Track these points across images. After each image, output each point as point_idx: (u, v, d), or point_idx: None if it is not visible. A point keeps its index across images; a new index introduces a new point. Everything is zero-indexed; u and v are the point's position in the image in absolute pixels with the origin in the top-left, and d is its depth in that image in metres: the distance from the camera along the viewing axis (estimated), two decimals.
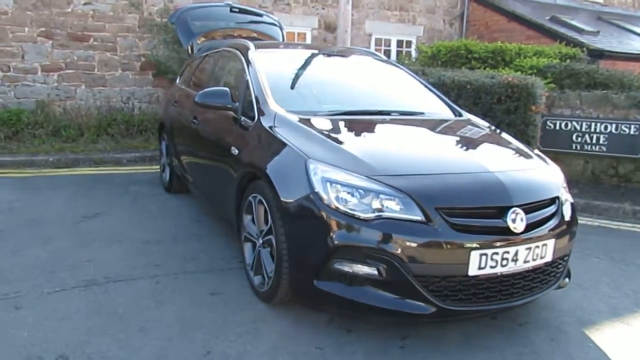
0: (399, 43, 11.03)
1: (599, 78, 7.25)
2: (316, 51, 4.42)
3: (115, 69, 8.39)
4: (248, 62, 3.77)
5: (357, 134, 3.12)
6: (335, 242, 2.52)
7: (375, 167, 2.64)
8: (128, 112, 8.45)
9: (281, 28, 6.53)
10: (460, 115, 3.82)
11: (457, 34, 11.43)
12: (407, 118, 3.57)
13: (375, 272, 2.49)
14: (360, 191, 2.55)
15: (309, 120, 3.18)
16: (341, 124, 3.23)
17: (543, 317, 3.09)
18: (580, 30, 10.06)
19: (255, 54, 3.86)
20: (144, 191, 5.53)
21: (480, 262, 2.50)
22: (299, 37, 9.85)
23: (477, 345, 2.73)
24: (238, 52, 4.03)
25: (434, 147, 3.11)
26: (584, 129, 6.66)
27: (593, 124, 6.60)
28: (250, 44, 4.07)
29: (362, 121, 3.37)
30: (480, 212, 2.57)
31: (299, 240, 2.69)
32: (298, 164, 2.76)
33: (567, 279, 3.04)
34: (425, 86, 4.20)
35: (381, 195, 2.52)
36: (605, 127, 6.57)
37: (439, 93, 4.13)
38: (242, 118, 3.48)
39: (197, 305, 3.03)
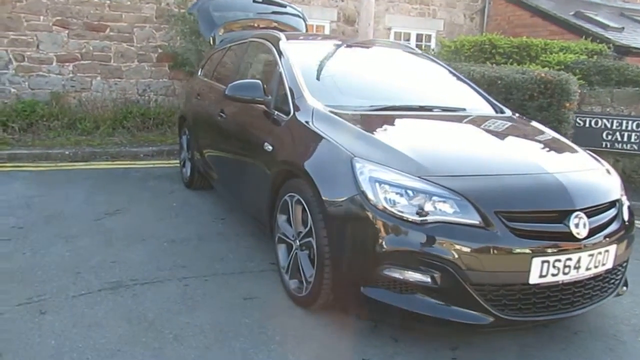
0: (419, 37, 10.80)
1: (629, 75, 7.01)
2: (347, 43, 4.23)
3: (131, 61, 8.23)
4: (280, 54, 3.59)
5: (403, 131, 2.94)
6: (386, 246, 2.35)
7: (428, 167, 2.45)
8: (144, 104, 8.29)
9: (304, 19, 6.34)
10: (502, 111, 3.63)
11: (478, 29, 11.19)
12: (451, 114, 3.37)
13: (429, 280, 2.31)
14: (412, 192, 2.37)
15: (349, 115, 3.00)
16: (384, 120, 3.05)
17: (597, 325, 2.91)
18: (605, 26, 9.80)
19: (287, 45, 3.68)
20: (163, 187, 5.37)
21: (542, 270, 2.32)
22: (317, 29, 9.64)
23: (533, 357, 2.55)
24: (268, 44, 3.84)
25: (485, 146, 2.92)
26: (614, 127, 6.42)
27: (624, 122, 6.36)
28: (282, 35, 3.88)
29: (405, 117, 3.18)
30: (541, 216, 2.38)
31: (343, 243, 2.52)
32: (342, 163, 2.59)
33: (624, 287, 2.85)
34: (463, 80, 4.00)
35: (435, 197, 2.34)
36: (637, 125, 6.33)
37: (477, 88, 3.93)
38: (275, 112, 3.31)
39: (230, 310, 2.87)
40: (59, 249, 3.61)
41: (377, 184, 2.41)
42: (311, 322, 2.77)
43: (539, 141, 3.15)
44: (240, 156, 3.71)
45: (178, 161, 5.88)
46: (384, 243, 2.36)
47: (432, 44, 10.79)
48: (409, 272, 2.35)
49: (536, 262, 2.30)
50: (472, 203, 2.31)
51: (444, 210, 2.32)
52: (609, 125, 6.43)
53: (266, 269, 3.43)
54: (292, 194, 2.90)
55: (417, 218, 2.32)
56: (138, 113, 7.91)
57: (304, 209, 2.81)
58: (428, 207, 2.33)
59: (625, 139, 6.45)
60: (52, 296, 2.94)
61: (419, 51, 4.36)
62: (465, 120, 3.33)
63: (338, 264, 2.55)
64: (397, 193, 2.38)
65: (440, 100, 3.54)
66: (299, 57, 3.52)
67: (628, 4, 13.16)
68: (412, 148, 2.61)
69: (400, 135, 2.82)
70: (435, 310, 2.34)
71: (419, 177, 2.40)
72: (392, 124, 3.02)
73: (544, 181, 2.49)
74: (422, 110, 3.30)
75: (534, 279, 2.32)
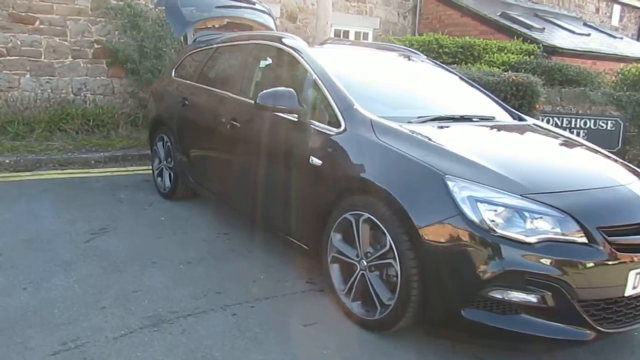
0: (357, 35, 10.85)
1: (570, 74, 7.54)
2: (364, 48, 4.11)
3: (65, 57, 7.41)
4: (309, 61, 3.37)
5: (470, 144, 2.87)
6: (493, 268, 2.28)
7: (524, 184, 2.42)
8: (80, 105, 7.52)
9: (272, 16, 6.07)
10: (522, 119, 3.70)
11: (411, 27, 11.47)
12: (493, 124, 3.39)
13: (536, 299, 2.28)
14: (517, 211, 2.32)
15: (408, 127, 2.89)
16: (444, 133, 2.97)
17: None
18: (529, 27, 10.46)
19: (314, 51, 3.48)
20: (139, 198, 4.90)
21: (635, 281, 2.39)
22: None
23: None
24: (288, 49, 3.59)
25: (555, 158, 2.96)
26: (564, 125, 6.87)
27: (573, 120, 6.84)
28: (299, 39, 3.67)
29: (459, 128, 3.14)
30: (632, 228, 2.44)
31: (440, 266, 2.41)
32: (430, 180, 2.48)
33: None
34: (475, 87, 4.03)
35: (540, 215, 2.31)
36: (585, 123, 6.83)
37: (489, 94, 3.99)
38: (316, 124, 3.11)
39: (299, 341, 2.65)
40: (63, 280, 3.15)
41: (477, 204, 2.34)
42: (387, 347, 2.64)
43: (584, 150, 3.21)
44: (268, 169, 3.45)
45: (141, 168, 5.42)
46: (490, 264, 2.28)
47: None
48: (515, 292, 2.30)
49: (632, 274, 2.36)
50: (576, 220, 2.31)
51: (550, 228, 2.30)
52: (559, 124, 6.85)
53: (306, 289, 3.24)
54: (358, 212, 2.74)
55: (524, 238, 2.27)
56: (76, 114, 7.16)
57: (372, 227, 2.68)
58: (534, 225, 2.29)
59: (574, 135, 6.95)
60: (89, 339, 2.55)
61: (424, 56, 4.33)
62: (514, 130, 3.36)
63: (431, 287, 2.45)
64: (500, 213, 2.32)
65: (472, 109, 3.54)
66: (330, 65, 3.33)
67: (537, 5, 14.17)
68: (496, 163, 2.55)
69: (474, 149, 2.74)
70: (540, 329, 2.31)
71: (521, 195, 2.36)
72: (453, 136, 2.96)
73: (623, 194, 2.56)
74: (465, 121, 3.27)
75: (629, 291, 2.37)
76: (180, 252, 3.68)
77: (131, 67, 7.56)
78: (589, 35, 12.26)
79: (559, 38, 10.62)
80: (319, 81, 3.22)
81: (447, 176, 2.44)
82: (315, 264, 3.34)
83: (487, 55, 8.34)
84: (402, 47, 4.78)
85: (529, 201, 2.34)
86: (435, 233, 2.41)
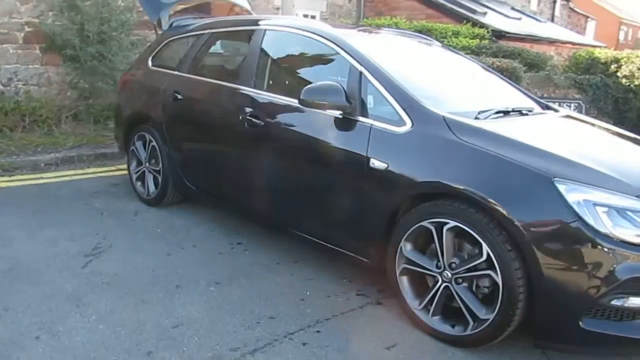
0: (304, 17, 10.44)
1: (530, 58, 7.68)
2: (381, 33, 3.81)
3: None
4: (350, 51, 3.01)
5: (552, 140, 2.68)
6: (619, 275, 2.13)
7: (632, 184, 2.28)
8: (10, 97, 6.56)
9: None
10: (551, 107, 3.59)
11: (356, 10, 11.24)
12: (550, 117, 3.28)
13: None
14: (634, 214, 2.17)
15: (484, 124, 2.67)
16: (520, 129, 2.76)
17: None
18: (473, 11, 10.60)
19: (353, 40, 3.12)
20: (118, 207, 4.30)
21: None
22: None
23: None
24: (319, 37, 3.20)
25: (630, 153, 2.85)
26: None
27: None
28: (327, 25, 3.30)
29: (526, 123, 2.97)
30: None
31: (553, 276, 2.20)
32: (536, 184, 2.27)
33: None
34: (494, 74, 3.87)
35: None
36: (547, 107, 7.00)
37: (511, 82, 3.85)
38: (372, 122, 2.77)
39: None
40: (81, 321, 2.61)
41: (595, 208, 2.16)
42: None
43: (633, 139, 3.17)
44: (307, 174, 3.07)
45: (101, 170, 4.80)
46: (616, 271, 2.13)
47: None
48: (634, 298, 2.18)
49: None
50: None
51: None
52: None
53: (362, 304, 2.93)
54: (441, 219, 2.47)
55: None
56: (10, 109, 6.24)
57: (457, 235, 2.44)
58: None
59: None
60: None
61: (437, 42, 4.10)
62: (570, 123, 3.28)
63: (543, 299, 2.24)
64: (619, 216, 2.16)
65: (512, 100, 3.38)
66: (375, 56, 3.00)
67: None
68: (593, 161, 2.39)
69: (562, 146, 2.55)
70: None
71: (636, 196, 2.21)
72: (532, 132, 2.76)
73: None
74: (518, 114, 3.09)
75: None
76: (201, 271, 3.22)
77: (71, 53, 6.68)
78: (520, 19, 12.71)
79: (501, 22, 10.87)
80: (369, 74, 2.88)
81: (555, 179, 2.23)
82: (355, 272, 3.15)
83: (445, 40, 8.30)
84: (415, 33, 4.52)
85: None
86: (547, 241, 2.21)
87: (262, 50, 3.50)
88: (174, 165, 4.03)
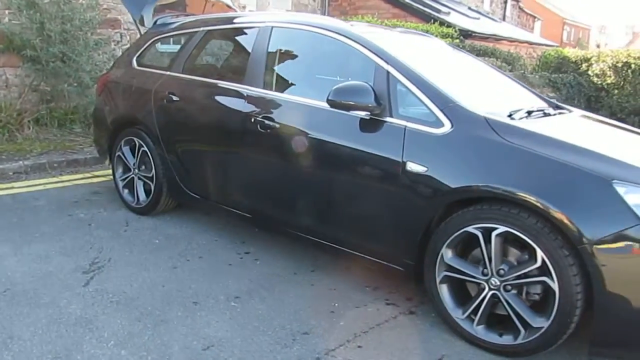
0: None
1: (503, 57, 7.79)
2: (391, 31, 3.69)
3: None
4: (374, 50, 2.87)
5: (594, 141, 2.64)
6: None
7: None
8: None
9: None
10: (562, 107, 3.58)
11: (320, 9, 11.10)
12: (570, 116, 3.24)
13: None
14: None
15: (525, 124, 2.60)
16: (558, 129, 2.70)
17: None
18: (438, 11, 10.70)
19: (373, 37, 2.99)
20: (105, 217, 3.99)
21: None
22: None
23: None
24: (334, 34, 3.04)
25: None
26: None
27: None
28: (345, 23, 3.15)
29: (557, 122, 2.91)
30: None
31: (616, 282, 2.13)
32: (594, 187, 2.20)
33: None
34: (507, 76, 3.85)
35: None
36: None
37: (519, 81, 3.83)
38: (406, 124, 2.63)
39: None
40: (98, 347, 2.35)
41: None
42: None
43: None
44: (334, 179, 2.90)
45: (76, 177, 4.49)
46: None
47: None
48: None
49: None
50: None
51: None
52: None
53: (395, 314, 2.80)
54: (489, 224, 2.37)
55: None
56: None
57: (506, 241, 2.35)
58: None
59: None
60: None
61: (438, 39, 4.03)
62: (590, 123, 3.25)
63: (603, 306, 2.18)
64: None
65: (527, 99, 3.35)
66: (400, 54, 2.88)
67: None
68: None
69: (608, 147, 2.51)
70: None
71: None
72: (568, 133, 2.70)
73: None
74: (543, 114, 3.04)
75: None
76: (215, 285, 3.00)
77: (31, 54, 6.20)
78: (479, 19, 12.97)
79: (465, 22, 11.03)
80: (398, 74, 2.75)
81: (614, 181, 2.18)
82: (376, 278, 3.06)
83: None
84: (419, 31, 4.43)
85: None
86: (610, 246, 2.14)
87: (270, 48, 3.30)
88: (169, 171, 3.77)
